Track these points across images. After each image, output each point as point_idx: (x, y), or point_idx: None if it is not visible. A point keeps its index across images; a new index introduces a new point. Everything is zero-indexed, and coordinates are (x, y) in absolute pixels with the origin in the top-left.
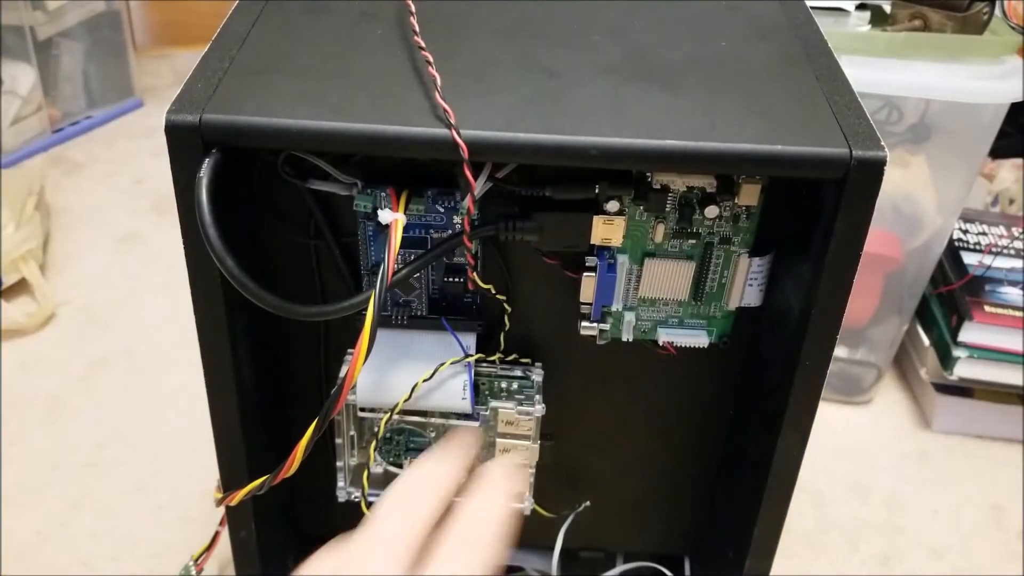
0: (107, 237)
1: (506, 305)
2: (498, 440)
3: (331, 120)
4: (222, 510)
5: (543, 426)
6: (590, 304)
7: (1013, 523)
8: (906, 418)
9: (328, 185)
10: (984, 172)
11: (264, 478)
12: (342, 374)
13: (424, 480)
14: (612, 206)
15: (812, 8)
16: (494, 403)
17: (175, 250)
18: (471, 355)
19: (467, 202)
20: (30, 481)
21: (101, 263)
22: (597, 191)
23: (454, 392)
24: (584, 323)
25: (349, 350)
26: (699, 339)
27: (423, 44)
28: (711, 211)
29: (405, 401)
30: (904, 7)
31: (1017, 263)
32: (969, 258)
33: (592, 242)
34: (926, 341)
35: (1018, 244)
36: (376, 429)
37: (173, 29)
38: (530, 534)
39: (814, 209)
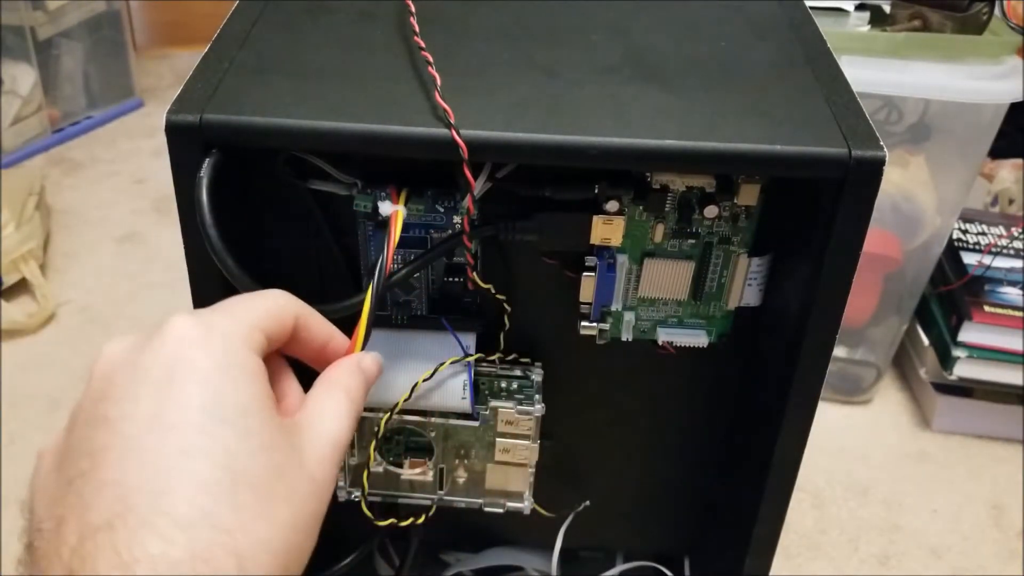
0: (107, 237)
1: (506, 305)
2: (498, 440)
3: (331, 120)
4: None
5: (543, 426)
6: (590, 304)
7: (1013, 523)
8: (906, 418)
9: (328, 185)
10: (984, 172)
11: None
12: None
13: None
14: (612, 206)
15: (812, 8)
16: (494, 403)
17: (175, 250)
18: (471, 355)
19: (467, 202)
20: None
21: (101, 263)
22: (597, 191)
23: (454, 392)
24: (584, 323)
25: None
26: (698, 339)
27: (423, 44)
28: (710, 211)
29: (405, 401)
30: (904, 7)
31: (1016, 263)
32: (969, 258)
33: (592, 242)
34: (926, 341)
35: (1017, 244)
36: (376, 429)
37: (173, 29)
38: (530, 534)
39: (813, 209)
